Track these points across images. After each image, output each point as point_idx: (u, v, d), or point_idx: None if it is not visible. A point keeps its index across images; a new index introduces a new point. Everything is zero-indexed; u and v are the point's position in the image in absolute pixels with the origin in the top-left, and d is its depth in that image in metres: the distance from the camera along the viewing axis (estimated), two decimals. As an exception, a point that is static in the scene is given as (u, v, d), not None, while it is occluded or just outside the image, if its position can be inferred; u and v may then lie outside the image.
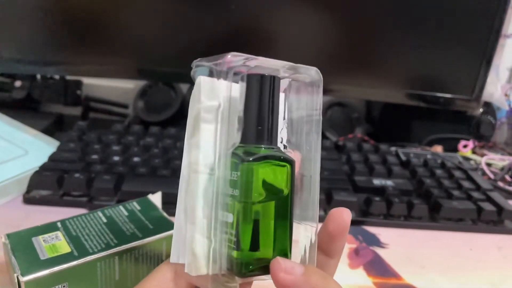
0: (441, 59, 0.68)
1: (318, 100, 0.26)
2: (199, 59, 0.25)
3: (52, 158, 0.53)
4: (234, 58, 0.23)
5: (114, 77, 0.74)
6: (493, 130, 0.79)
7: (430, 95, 0.70)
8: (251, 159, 0.23)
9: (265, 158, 0.23)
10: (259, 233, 0.23)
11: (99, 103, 0.80)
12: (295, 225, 0.25)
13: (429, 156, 0.66)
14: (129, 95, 0.80)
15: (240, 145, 0.24)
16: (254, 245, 0.23)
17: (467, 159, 0.71)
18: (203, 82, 0.24)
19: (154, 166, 0.53)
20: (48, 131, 0.65)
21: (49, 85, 0.74)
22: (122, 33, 0.65)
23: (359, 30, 0.66)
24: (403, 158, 0.65)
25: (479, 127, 0.78)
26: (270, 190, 0.23)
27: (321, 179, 0.55)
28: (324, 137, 0.74)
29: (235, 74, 0.24)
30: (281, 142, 0.26)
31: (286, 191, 0.24)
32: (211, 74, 0.24)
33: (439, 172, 0.60)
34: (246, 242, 0.23)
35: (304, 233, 0.26)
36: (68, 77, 0.76)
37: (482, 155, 0.75)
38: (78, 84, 0.78)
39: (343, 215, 0.25)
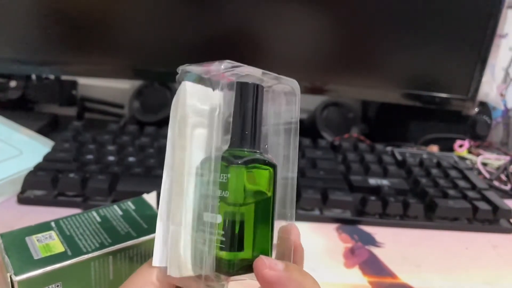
0: (436, 59, 0.68)
1: (296, 109, 0.27)
2: (186, 64, 0.25)
3: (47, 158, 0.53)
4: (222, 66, 0.24)
5: (110, 77, 0.73)
6: (488, 129, 0.80)
7: (425, 95, 0.70)
8: (240, 162, 0.23)
9: (253, 161, 0.24)
10: (244, 234, 0.23)
11: (94, 103, 0.80)
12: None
13: (424, 156, 0.66)
14: (124, 95, 0.80)
15: (226, 149, 0.25)
16: (239, 246, 0.23)
17: (462, 158, 0.71)
18: (188, 87, 0.24)
19: (149, 166, 0.53)
20: (43, 131, 0.65)
21: (44, 85, 0.73)
22: (118, 33, 0.65)
23: (355, 30, 0.66)
24: (399, 157, 0.65)
25: (474, 126, 0.79)
26: (256, 192, 0.24)
27: (317, 178, 0.56)
28: (320, 136, 0.74)
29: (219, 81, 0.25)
30: (266, 146, 0.26)
31: (269, 194, 0.24)
32: (200, 80, 0.25)
33: (434, 171, 0.60)
34: (234, 242, 0.23)
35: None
36: (64, 77, 0.75)
37: (478, 155, 0.75)
38: (74, 84, 0.78)
39: (289, 233, 0.26)
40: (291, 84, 0.26)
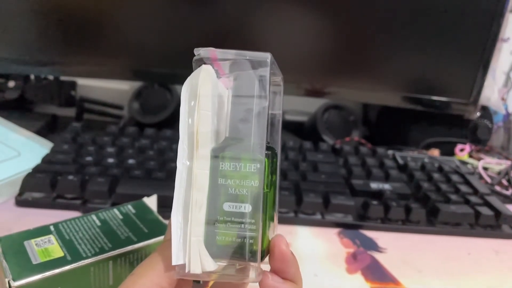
0: (438, 63, 0.67)
1: (280, 101, 0.27)
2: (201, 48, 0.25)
3: (45, 159, 0.53)
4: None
5: (109, 78, 0.73)
6: (489, 134, 0.79)
7: (427, 99, 0.70)
8: (265, 152, 0.23)
9: (270, 149, 0.25)
10: (266, 219, 0.24)
11: (93, 104, 0.79)
12: None
13: (426, 160, 0.66)
14: (124, 96, 0.79)
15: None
16: (266, 232, 0.24)
17: (464, 163, 0.71)
18: (210, 69, 0.24)
19: (149, 168, 0.53)
20: (42, 132, 0.64)
21: (43, 85, 0.73)
22: (117, 33, 0.64)
23: (356, 33, 0.66)
24: (400, 161, 0.64)
25: (476, 131, 0.78)
26: (272, 179, 0.25)
27: (318, 182, 0.55)
28: (321, 140, 0.74)
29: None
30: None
31: (276, 180, 0.26)
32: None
33: (436, 176, 0.60)
34: (266, 229, 0.24)
35: None
36: (63, 78, 0.75)
37: (479, 159, 0.74)
38: (73, 84, 0.77)
39: (279, 246, 0.25)
40: (279, 77, 0.27)
